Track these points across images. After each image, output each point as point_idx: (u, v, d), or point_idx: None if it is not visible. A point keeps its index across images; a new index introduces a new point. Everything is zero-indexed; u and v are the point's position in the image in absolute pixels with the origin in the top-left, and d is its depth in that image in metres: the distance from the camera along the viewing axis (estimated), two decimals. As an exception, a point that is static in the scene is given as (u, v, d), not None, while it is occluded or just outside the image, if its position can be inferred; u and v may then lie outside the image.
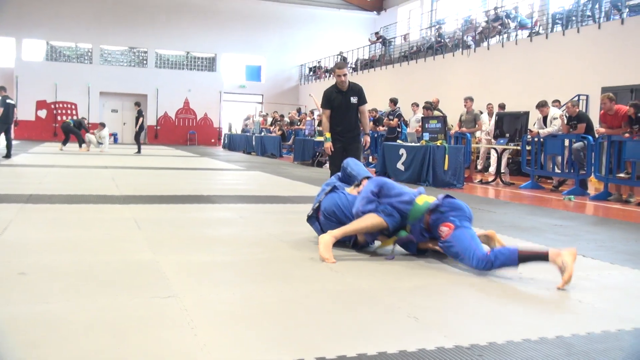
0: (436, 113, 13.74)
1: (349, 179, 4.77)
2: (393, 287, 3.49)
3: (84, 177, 10.00)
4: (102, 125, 20.41)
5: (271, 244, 4.63)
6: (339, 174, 4.90)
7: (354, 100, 7.02)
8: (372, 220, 4.09)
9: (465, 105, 13.16)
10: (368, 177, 4.55)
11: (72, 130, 19.53)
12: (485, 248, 4.09)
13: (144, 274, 3.57)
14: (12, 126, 14.39)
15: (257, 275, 3.66)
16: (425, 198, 4.27)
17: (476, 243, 3.93)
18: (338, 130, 7.06)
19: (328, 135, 7.02)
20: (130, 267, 3.75)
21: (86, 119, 22.15)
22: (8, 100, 13.65)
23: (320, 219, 4.53)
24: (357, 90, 7.06)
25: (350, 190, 4.57)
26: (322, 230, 4.53)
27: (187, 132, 32.68)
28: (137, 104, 19.47)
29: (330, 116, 7.06)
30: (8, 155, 13.84)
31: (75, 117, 22.66)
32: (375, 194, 4.21)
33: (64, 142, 19.69)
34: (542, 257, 3.67)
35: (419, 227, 4.21)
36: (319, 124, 20.10)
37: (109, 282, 3.36)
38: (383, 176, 12.36)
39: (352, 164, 4.75)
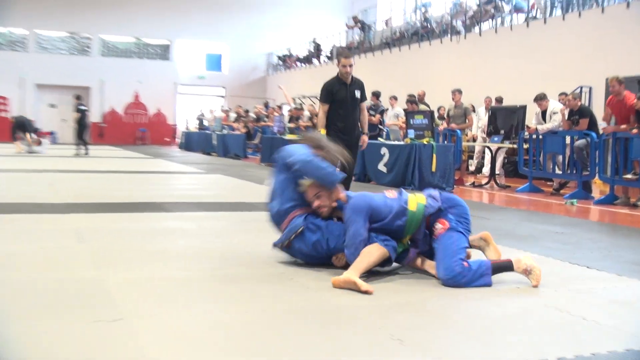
0: (422, 107, 13.85)
1: (287, 170, 4.44)
2: (374, 304, 3.49)
3: (16, 183, 9.87)
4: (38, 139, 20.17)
5: (235, 258, 4.61)
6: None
7: (357, 94, 7.15)
8: (378, 252, 4.08)
9: (453, 99, 13.28)
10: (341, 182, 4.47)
11: (27, 127, 19.51)
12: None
13: (87, 294, 3.52)
14: None
15: (219, 294, 3.63)
16: (415, 199, 4.30)
17: (459, 253, 4.01)
18: (341, 127, 7.11)
19: (323, 131, 7.01)
20: (71, 286, 3.69)
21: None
22: None
23: (295, 250, 4.40)
24: (360, 84, 7.23)
25: (309, 190, 4.35)
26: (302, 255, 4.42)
27: (137, 130, 32.44)
28: (77, 97, 19.29)
29: (330, 112, 7.12)
30: None
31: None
32: (366, 228, 4.12)
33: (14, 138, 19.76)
34: (508, 266, 4.06)
35: (422, 234, 4.26)
36: (290, 120, 20.13)
37: (45, 304, 3.30)
38: (361, 177, 12.42)
39: (308, 162, 4.31)
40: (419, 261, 4.30)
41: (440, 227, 4.14)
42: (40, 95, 30.85)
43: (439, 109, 15.94)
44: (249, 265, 4.37)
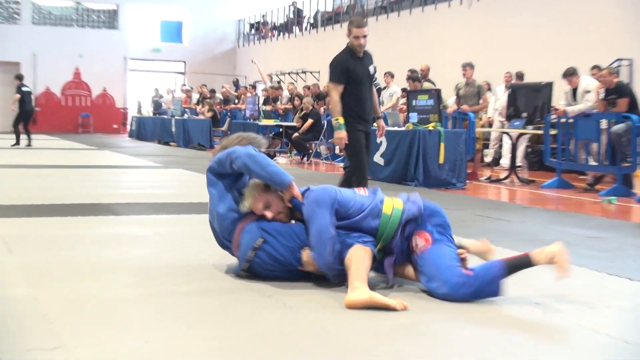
0: (426, 85, 13.87)
1: (221, 178, 4.39)
2: (367, 327, 3.50)
3: None
4: None
5: (199, 271, 4.60)
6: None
7: (373, 70, 7.14)
8: (366, 254, 4.06)
9: (464, 74, 13.31)
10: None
11: None
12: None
13: (18, 317, 3.49)
14: None
15: (181, 315, 3.62)
16: (390, 203, 4.31)
17: (455, 265, 4.03)
18: (360, 113, 7.03)
19: (342, 120, 6.93)
20: (-2, 307, 3.67)
21: None
22: None
23: (257, 266, 4.36)
24: (371, 58, 7.22)
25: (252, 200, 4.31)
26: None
27: (78, 115, 32.32)
28: (18, 77, 19.38)
29: (345, 95, 6.99)
30: None
31: None
32: (333, 223, 4.11)
33: None
34: (526, 262, 4.01)
35: (398, 242, 4.25)
36: (266, 102, 20.11)
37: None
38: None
39: (253, 156, 4.25)
40: (399, 270, 4.32)
41: (422, 243, 4.13)
42: (-43, 73, 30.68)
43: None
44: (216, 279, 4.36)
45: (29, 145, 18.98)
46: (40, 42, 31.40)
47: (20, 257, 4.91)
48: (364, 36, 6.89)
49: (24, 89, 19.19)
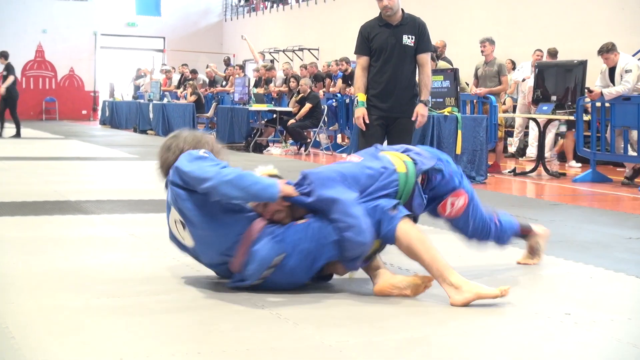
0: (441, 64, 13.85)
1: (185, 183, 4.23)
2: (374, 341, 3.51)
3: None
4: None
5: (180, 278, 4.62)
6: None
7: (408, 41, 6.75)
8: (419, 234, 4.28)
9: (482, 52, 13.28)
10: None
11: None
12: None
13: None
14: None
15: (163, 329, 3.64)
16: (397, 157, 4.43)
17: (491, 214, 4.88)
18: (375, 93, 6.77)
19: (362, 97, 6.79)
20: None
21: None
22: None
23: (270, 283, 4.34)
24: (415, 26, 6.82)
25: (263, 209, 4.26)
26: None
27: (42, 99, 32.29)
28: (3, 55, 19.17)
29: (370, 69, 6.80)
30: None
31: None
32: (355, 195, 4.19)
33: None
34: (526, 230, 5.13)
35: (418, 198, 4.41)
36: (257, 84, 20.10)
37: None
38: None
39: (227, 182, 4.03)
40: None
41: (461, 201, 4.50)
42: None
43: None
44: (201, 288, 4.37)
45: (17, 135, 18.88)
46: (-4, 15, 31.35)
47: (-23, 263, 4.92)
48: None
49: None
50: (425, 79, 6.88)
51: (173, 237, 4.46)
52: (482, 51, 13.24)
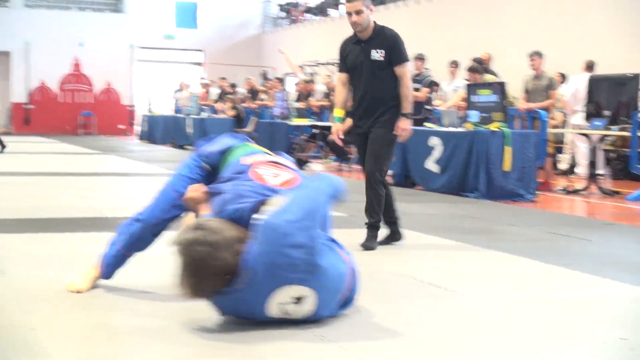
0: (488, 78, 13.79)
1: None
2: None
3: None
4: None
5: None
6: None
7: (377, 55, 6.72)
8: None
9: (532, 65, 13.21)
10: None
11: None
12: None
13: (13, 348, 3.54)
14: None
15: (202, 353, 3.66)
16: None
17: None
18: (352, 111, 6.97)
19: (338, 113, 6.94)
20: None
21: None
22: None
23: None
24: (385, 39, 6.79)
25: None
26: None
27: (78, 113, 32.58)
28: None
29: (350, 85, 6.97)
30: None
31: None
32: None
33: None
34: None
35: None
36: (298, 99, 20.14)
37: None
38: (400, 179, 12.41)
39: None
40: None
41: None
42: (-62, 65, 31.09)
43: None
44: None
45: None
46: (34, 28, 31.64)
47: (12, 280, 4.97)
48: (358, 12, 6.61)
49: None
50: (404, 91, 6.77)
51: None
52: (531, 65, 13.17)
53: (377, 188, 6.68)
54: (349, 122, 7.10)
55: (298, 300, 3.89)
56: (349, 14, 6.68)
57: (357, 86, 6.84)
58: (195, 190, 4.36)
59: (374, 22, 6.81)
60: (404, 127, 6.72)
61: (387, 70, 6.75)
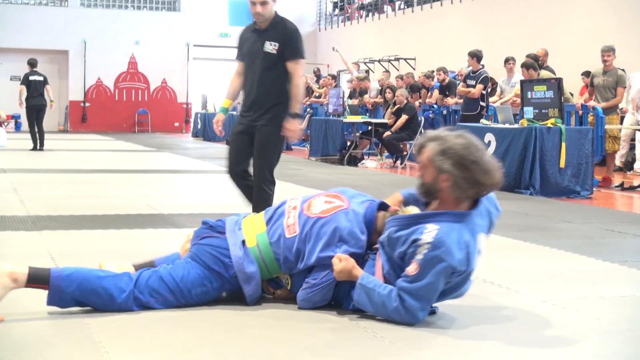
0: (544, 74, 13.68)
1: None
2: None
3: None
4: None
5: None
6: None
7: (270, 47, 6.50)
8: None
9: (605, 61, 12.95)
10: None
11: None
12: None
13: (68, 344, 3.60)
14: None
15: (252, 345, 3.68)
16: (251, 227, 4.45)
17: None
18: (242, 102, 6.81)
19: (225, 103, 6.86)
20: (46, 331, 3.79)
21: None
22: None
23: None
24: (282, 32, 6.57)
25: None
26: None
27: (134, 111, 32.87)
28: (29, 63, 19.06)
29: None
30: None
31: None
32: None
33: None
34: None
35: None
36: (352, 95, 20.16)
37: (11, 358, 3.40)
38: None
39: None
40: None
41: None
42: (-2, 64, 31.52)
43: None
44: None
45: (34, 148, 18.26)
46: (90, 27, 31.97)
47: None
48: (262, 3, 6.38)
49: (31, 77, 18.59)
50: (294, 90, 6.56)
51: None
52: (604, 61, 12.97)
53: (266, 188, 6.54)
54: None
55: None
56: (253, 3, 6.43)
57: (248, 76, 6.63)
58: (344, 259, 4.17)
59: (276, 12, 6.61)
60: (292, 127, 6.53)
61: (279, 64, 6.52)
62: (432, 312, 4.21)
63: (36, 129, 18.43)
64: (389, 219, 4.15)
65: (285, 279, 4.34)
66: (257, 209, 6.07)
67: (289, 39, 6.55)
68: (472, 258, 3.99)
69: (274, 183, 6.64)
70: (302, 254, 4.22)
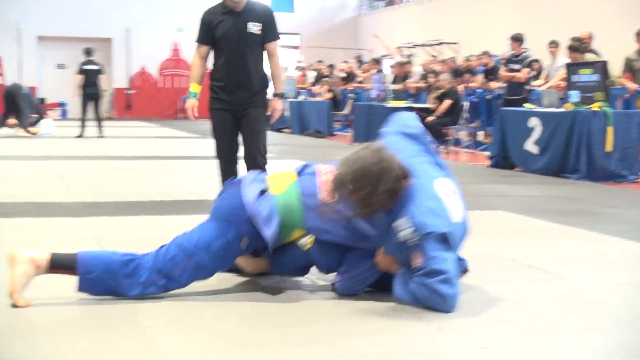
0: (589, 57, 13.53)
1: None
2: (522, 346, 3.46)
3: (15, 175, 10.26)
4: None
5: (315, 279, 4.67)
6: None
7: (254, 28, 6.50)
8: None
9: (640, 42, 12.85)
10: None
11: (20, 103, 19.22)
12: None
13: (117, 330, 3.65)
14: None
15: (299, 332, 3.69)
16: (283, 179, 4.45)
17: None
18: (223, 87, 6.66)
19: (195, 87, 6.76)
20: (94, 317, 3.85)
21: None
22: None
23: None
24: (262, 13, 6.59)
25: None
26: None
27: (177, 98, 33.01)
28: (86, 51, 19.22)
29: (214, 60, 6.68)
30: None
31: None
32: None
33: (5, 117, 19.49)
34: None
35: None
36: (394, 80, 20.11)
37: (61, 342, 3.45)
38: (499, 161, 12.29)
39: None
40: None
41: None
42: (43, 53, 31.75)
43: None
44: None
45: (80, 135, 18.44)
46: (134, 15, 32.10)
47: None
48: None
49: (86, 67, 18.72)
50: (277, 70, 6.66)
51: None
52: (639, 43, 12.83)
53: (263, 168, 6.50)
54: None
55: None
56: None
57: (230, 59, 6.54)
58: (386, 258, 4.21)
59: None
60: (278, 107, 6.62)
61: (260, 45, 6.57)
62: (464, 270, 4.21)
63: (90, 117, 18.68)
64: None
65: (306, 239, 4.29)
66: None
67: (270, 20, 6.60)
68: (448, 212, 4.07)
69: (266, 164, 6.64)
70: (335, 220, 4.19)
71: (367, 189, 3.94)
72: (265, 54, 6.69)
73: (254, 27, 6.48)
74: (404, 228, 3.97)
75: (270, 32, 6.58)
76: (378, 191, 3.94)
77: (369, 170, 3.96)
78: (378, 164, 3.99)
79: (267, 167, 6.46)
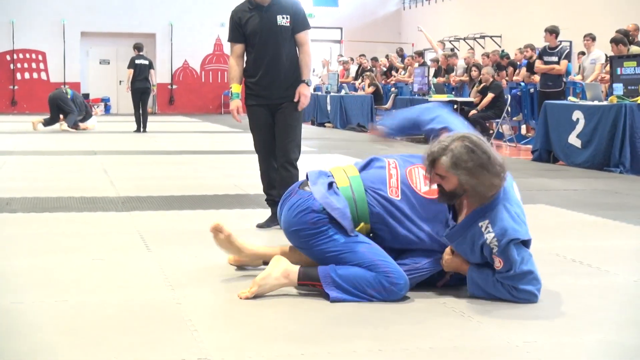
0: (634, 49, 13.40)
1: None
2: (564, 342, 3.46)
3: (61, 170, 10.36)
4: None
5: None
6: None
7: (283, 21, 6.42)
8: None
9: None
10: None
11: (66, 108, 19.27)
12: None
13: (160, 322, 3.69)
14: None
15: (339, 324, 3.70)
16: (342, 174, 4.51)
17: None
18: (256, 83, 6.50)
19: (236, 88, 6.56)
20: (137, 311, 3.88)
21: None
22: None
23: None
24: (288, 5, 6.50)
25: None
26: None
27: (220, 93, 33.11)
28: (136, 47, 19.43)
29: (247, 56, 6.53)
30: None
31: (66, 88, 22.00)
32: None
33: (50, 122, 19.55)
34: None
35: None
36: (437, 74, 20.04)
37: (106, 336, 3.48)
38: (542, 154, 12.22)
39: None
40: None
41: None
42: (87, 48, 31.99)
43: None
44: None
45: (138, 130, 18.76)
46: (177, 10, 32.19)
47: (159, 256, 5.14)
48: None
49: (138, 61, 18.92)
50: (306, 58, 6.53)
51: None
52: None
53: (293, 168, 6.44)
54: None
55: None
56: None
57: (261, 55, 6.42)
58: (456, 258, 4.25)
59: None
60: (306, 93, 6.47)
61: (291, 37, 6.47)
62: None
63: (140, 112, 18.91)
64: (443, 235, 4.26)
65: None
66: (283, 188, 5.78)
67: (298, 10, 6.53)
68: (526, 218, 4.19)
69: (298, 159, 6.56)
70: (398, 220, 4.26)
71: (482, 168, 3.97)
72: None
73: (283, 20, 6.41)
74: (489, 231, 4.02)
75: (298, 23, 6.49)
76: (490, 172, 3.98)
77: (483, 149, 4.01)
78: (489, 152, 4.05)
79: (295, 172, 6.39)
